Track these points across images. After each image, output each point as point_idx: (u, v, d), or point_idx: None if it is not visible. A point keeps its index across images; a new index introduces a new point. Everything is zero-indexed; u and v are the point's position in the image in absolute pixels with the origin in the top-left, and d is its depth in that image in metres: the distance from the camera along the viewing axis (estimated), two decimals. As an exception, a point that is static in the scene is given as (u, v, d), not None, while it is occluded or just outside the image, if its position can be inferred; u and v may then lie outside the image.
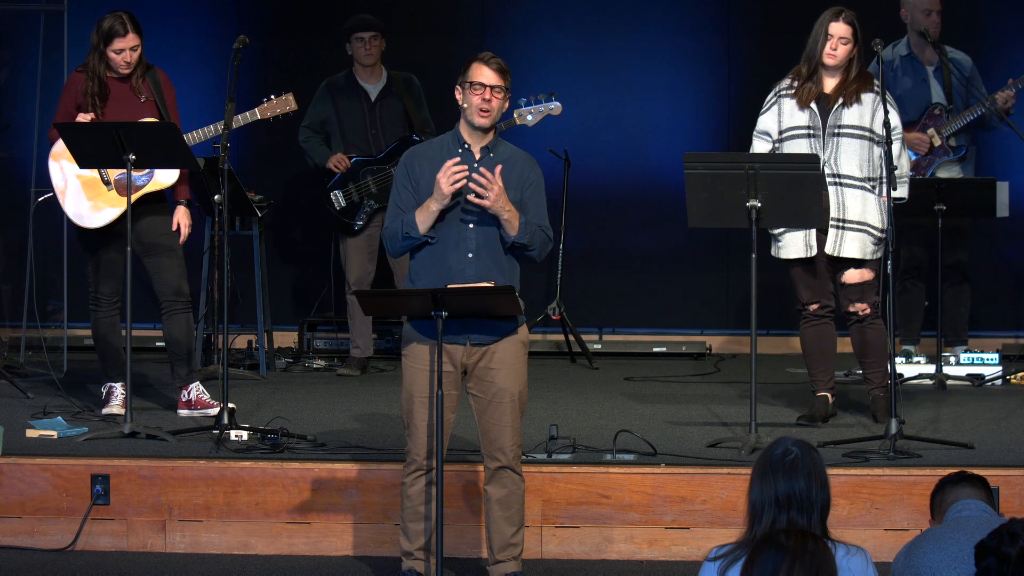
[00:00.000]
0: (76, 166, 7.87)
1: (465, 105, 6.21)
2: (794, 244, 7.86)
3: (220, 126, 7.87)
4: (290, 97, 8.22)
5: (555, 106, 8.70)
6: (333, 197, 9.74)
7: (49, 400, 8.36)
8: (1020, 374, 9.35)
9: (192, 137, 7.98)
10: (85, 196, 8.00)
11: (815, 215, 7.48)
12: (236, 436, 7.38)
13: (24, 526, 7.00)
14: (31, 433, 7.55)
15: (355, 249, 9.75)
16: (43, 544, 6.95)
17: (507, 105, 6.27)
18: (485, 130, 6.22)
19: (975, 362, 9.34)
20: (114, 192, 7.98)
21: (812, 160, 7.50)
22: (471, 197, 6.10)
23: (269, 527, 6.96)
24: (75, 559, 6.84)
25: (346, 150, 9.81)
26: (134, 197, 7.94)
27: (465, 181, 6.10)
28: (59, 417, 7.83)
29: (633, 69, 11.02)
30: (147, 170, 7.93)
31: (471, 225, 6.16)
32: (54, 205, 8.21)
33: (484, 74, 6.17)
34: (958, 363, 9.34)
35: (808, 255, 7.85)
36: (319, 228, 10.88)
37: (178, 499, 6.97)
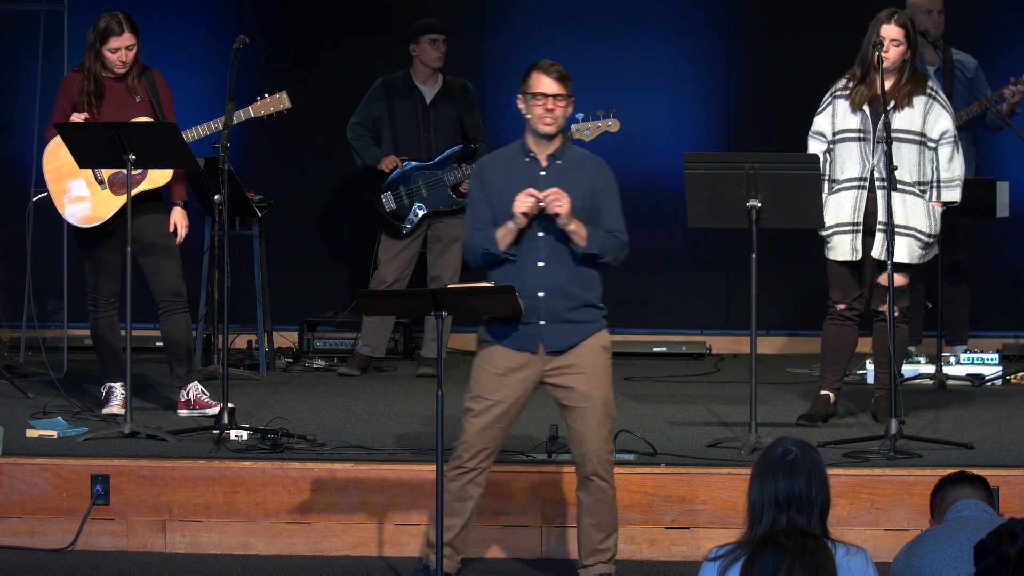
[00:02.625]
0: (69, 165, 7.85)
1: (529, 116, 6.25)
2: (841, 247, 7.83)
3: (219, 123, 7.86)
4: (284, 95, 8.19)
5: (612, 122, 8.70)
6: (384, 199, 9.67)
7: (49, 400, 8.35)
8: (1020, 374, 9.34)
9: (190, 134, 7.96)
10: (79, 196, 7.99)
11: (815, 215, 7.48)
12: (236, 436, 7.38)
13: (24, 526, 6.99)
14: (31, 433, 7.55)
15: (397, 250, 9.68)
16: (43, 544, 6.95)
17: (571, 109, 6.30)
18: (550, 137, 6.26)
19: (975, 362, 9.33)
20: (108, 191, 7.96)
21: (812, 160, 7.49)
22: (547, 209, 6.14)
23: (269, 527, 6.96)
24: (75, 559, 6.84)
25: (397, 152, 9.69)
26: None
27: (535, 207, 6.13)
28: (59, 417, 7.83)
29: (633, 69, 11.01)
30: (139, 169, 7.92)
31: (540, 233, 6.22)
32: (51, 204, 8.20)
33: (544, 83, 6.22)
34: (958, 363, 9.34)
35: (854, 259, 7.83)
36: (321, 227, 10.88)
37: (178, 499, 6.97)
